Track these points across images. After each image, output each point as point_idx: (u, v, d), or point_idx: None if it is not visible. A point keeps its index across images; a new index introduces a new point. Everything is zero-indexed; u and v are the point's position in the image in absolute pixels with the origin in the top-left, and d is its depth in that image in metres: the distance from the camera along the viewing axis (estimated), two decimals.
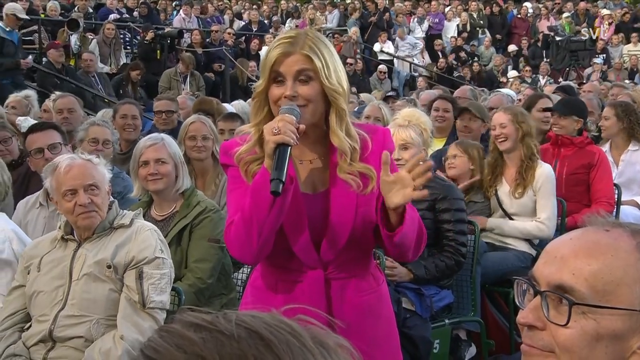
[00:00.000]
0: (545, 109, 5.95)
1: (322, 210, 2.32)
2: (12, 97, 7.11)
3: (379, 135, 2.40)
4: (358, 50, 16.78)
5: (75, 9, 14.95)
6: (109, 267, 3.01)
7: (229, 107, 7.43)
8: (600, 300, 1.23)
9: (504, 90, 10.30)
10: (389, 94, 10.02)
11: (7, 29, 10.46)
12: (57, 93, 7.01)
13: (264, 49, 15.58)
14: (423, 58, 17.92)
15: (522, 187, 4.66)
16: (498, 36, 19.45)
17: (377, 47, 17.63)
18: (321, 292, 2.34)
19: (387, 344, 2.51)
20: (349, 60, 15.71)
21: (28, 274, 3.12)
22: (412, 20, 19.06)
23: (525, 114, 4.90)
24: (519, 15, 20.11)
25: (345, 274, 2.38)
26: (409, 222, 2.23)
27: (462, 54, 18.12)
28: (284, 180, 2.12)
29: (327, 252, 2.34)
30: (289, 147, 2.15)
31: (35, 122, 5.83)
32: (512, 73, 16.14)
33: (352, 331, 2.32)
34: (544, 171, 4.69)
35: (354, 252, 2.39)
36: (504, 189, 4.75)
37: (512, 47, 18.96)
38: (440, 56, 17.78)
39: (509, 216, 4.74)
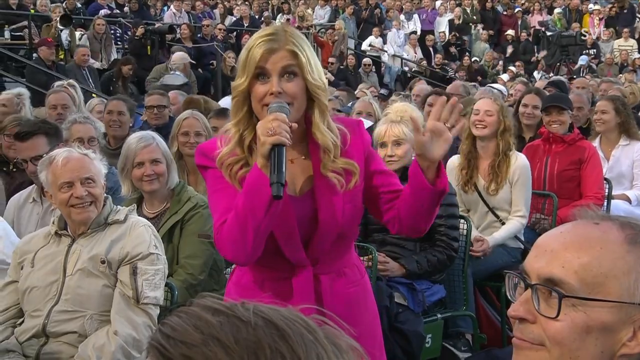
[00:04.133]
0: (543, 109, 5.83)
1: (310, 211, 2.31)
2: (4, 95, 7.00)
3: (354, 126, 2.40)
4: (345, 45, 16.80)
5: (63, 4, 14.89)
6: (103, 262, 3.01)
7: (222, 103, 7.41)
8: (590, 292, 1.24)
9: (495, 86, 10.30)
10: (380, 92, 9.91)
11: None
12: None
13: None
14: (415, 53, 17.93)
15: (495, 183, 4.65)
16: (491, 32, 19.49)
17: (364, 43, 17.66)
18: (310, 288, 2.34)
19: (373, 334, 2.52)
20: (331, 60, 15.77)
21: (21, 269, 3.12)
22: (401, 15, 19.08)
23: (508, 111, 4.91)
24: (504, 13, 20.13)
25: (333, 268, 2.40)
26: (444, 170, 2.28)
27: (452, 50, 18.12)
28: (283, 183, 2.09)
29: (315, 250, 2.34)
30: (284, 148, 2.12)
31: None
32: (504, 76, 15.96)
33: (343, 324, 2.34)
34: (520, 163, 4.68)
35: (341, 247, 2.40)
36: (480, 183, 4.75)
37: (510, 32, 18.96)
38: (432, 52, 17.80)
39: (492, 210, 4.74)
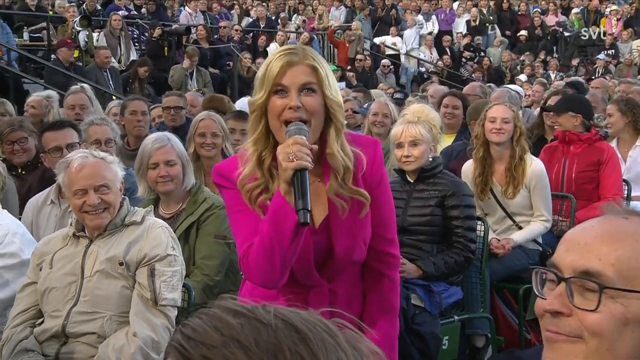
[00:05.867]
0: (543, 109, 6.05)
1: (325, 243, 2.30)
2: (33, 97, 7.05)
3: (369, 149, 2.34)
4: (363, 46, 16.83)
5: (83, 5, 14.99)
6: (120, 264, 3.03)
7: (238, 105, 7.43)
8: (627, 284, 1.25)
9: (512, 87, 10.20)
10: (396, 96, 9.80)
11: None
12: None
13: (272, 45, 15.58)
14: (431, 54, 17.89)
15: (513, 186, 4.62)
16: (508, 32, 19.40)
17: (377, 40, 17.65)
18: (325, 303, 2.33)
19: None
20: (359, 57, 15.81)
21: (40, 270, 3.14)
22: (417, 15, 19.03)
23: (521, 116, 4.94)
24: (518, 12, 20.05)
25: (348, 283, 2.41)
26: None
27: (466, 53, 18.03)
28: (309, 208, 2.07)
29: (330, 274, 2.35)
30: (307, 171, 2.09)
31: None
32: (522, 77, 15.91)
33: (365, 327, 2.36)
34: (536, 168, 4.65)
35: (356, 267, 2.42)
36: (496, 189, 4.72)
37: (523, 32, 18.91)
38: (448, 52, 17.76)
39: (509, 215, 4.71)
